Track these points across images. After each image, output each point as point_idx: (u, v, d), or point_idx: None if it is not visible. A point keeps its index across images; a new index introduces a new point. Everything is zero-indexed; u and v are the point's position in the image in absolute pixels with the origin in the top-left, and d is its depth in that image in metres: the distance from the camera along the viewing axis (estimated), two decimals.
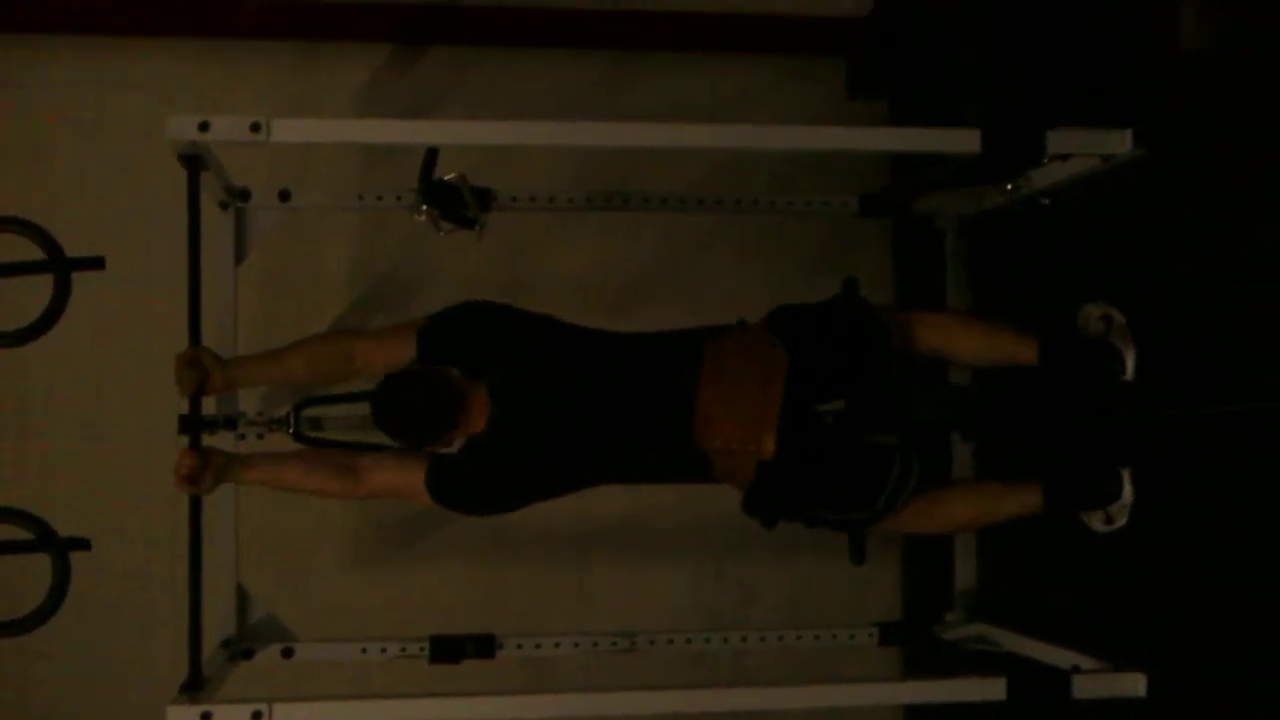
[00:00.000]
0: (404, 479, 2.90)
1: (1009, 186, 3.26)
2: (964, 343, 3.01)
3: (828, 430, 2.93)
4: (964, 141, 2.86)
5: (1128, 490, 2.92)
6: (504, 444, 2.88)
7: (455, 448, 2.92)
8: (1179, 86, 2.85)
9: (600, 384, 2.88)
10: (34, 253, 2.66)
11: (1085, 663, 2.89)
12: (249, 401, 3.26)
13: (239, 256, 3.20)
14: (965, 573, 3.50)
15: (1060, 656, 2.98)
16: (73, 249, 2.69)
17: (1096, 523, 2.99)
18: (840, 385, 2.94)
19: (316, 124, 2.94)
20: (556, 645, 3.33)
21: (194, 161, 2.81)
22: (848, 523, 2.94)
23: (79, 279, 2.68)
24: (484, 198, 3.30)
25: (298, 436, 3.17)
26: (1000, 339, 3.01)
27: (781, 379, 2.81)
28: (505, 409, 2.87)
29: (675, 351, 2.91)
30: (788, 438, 2.80)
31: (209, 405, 2.99)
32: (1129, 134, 2.84)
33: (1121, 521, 2.95)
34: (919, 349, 2.98)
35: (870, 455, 2.88)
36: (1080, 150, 2.92)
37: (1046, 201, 3.22)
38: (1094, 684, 2.80)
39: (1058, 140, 2.88)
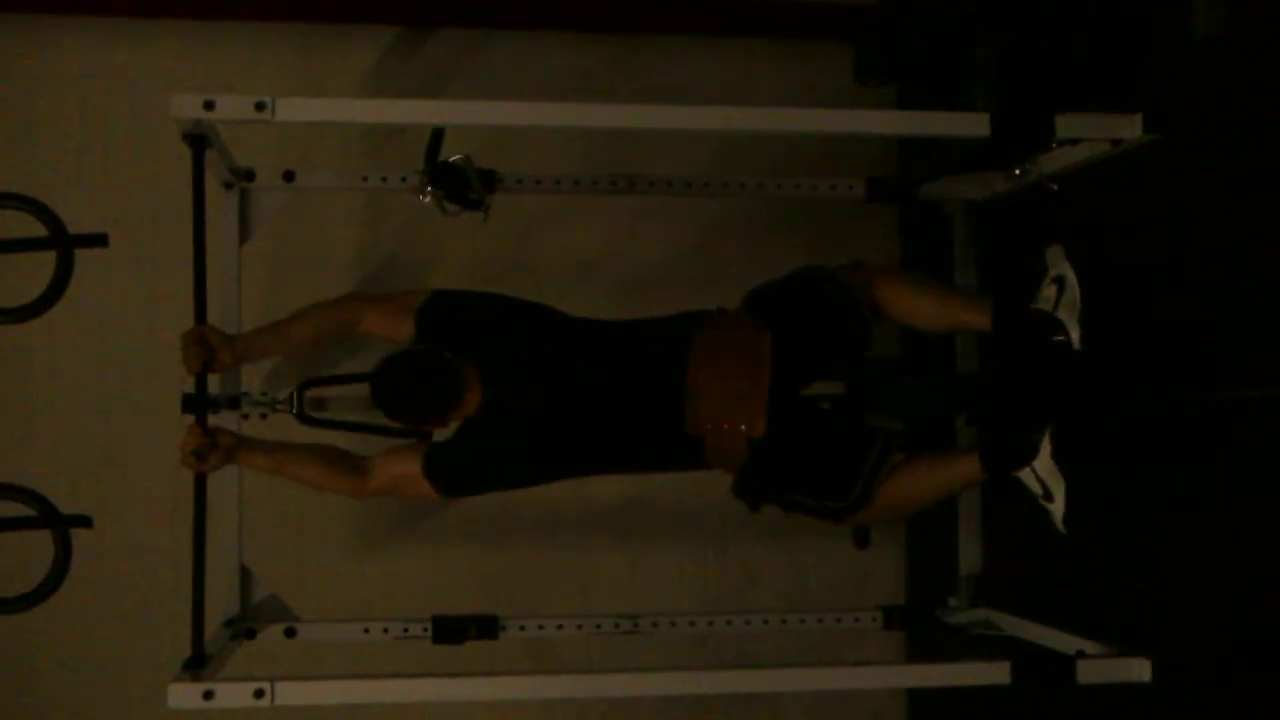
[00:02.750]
0: (404, 469, 2.93)
1: (1017, 171, 3.24)
2: (916, 305, 2.98)
3: (816, 410, 3.03)
4: (972, 125, 2.85)
5: (1046, 448, 2.86)
6: (498, 429, 2.93)
7: (449, 432, 2.97)
8: (1190, 74, 2.83)
9: (591, 372, 2.93)
10: (37, 230, 2.66)
11: (1090, 647, 2.88)
12: (253, 381, 3.26)
13: (243, 236, 3.21)
14: (969, 557, 3.49)
15: (1065, 641, 2.97)
16: (76, 228, 2.69)
17: (1034, 485, 2.91)
18: (824, 360, 3.00)
19: (321, 103, 2.93)
20: (559, 627, 3.33)
21: (199, 141, 2.81)
22: (824, 510, 2.95)
23: (82, 258, 2.67)
24: (489, 179, 3.30)
25: (301, 417, 3.17)
26: (952, 304, 2.99)
27: (768, 359, 2.87)
28: (499, 395, 2.92)
29: (662, 338, 2.96)
30: (777, 416, 2.86)
31: (213, 385, 2.98)
32: (1139, 119, 2.81)
33: (1059, 496, 2.87)
34: (883, 312, 2.98)
35: (853, 438, 2.92)
36: (1090, 135, 2.90)
37: (1054, 187, 3.20)
38: (1098, 669, 2.79)
39: (1067, 125, 2.86)
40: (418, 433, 3.02)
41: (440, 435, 2.99)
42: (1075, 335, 2.87)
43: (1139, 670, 2.77)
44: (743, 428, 2.86)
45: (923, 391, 3.25)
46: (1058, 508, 2.88)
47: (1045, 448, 2.87)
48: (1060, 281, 2.91)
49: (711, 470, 2.96)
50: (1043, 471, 2.88)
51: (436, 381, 2.91)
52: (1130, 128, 2.83)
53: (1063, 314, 2.88)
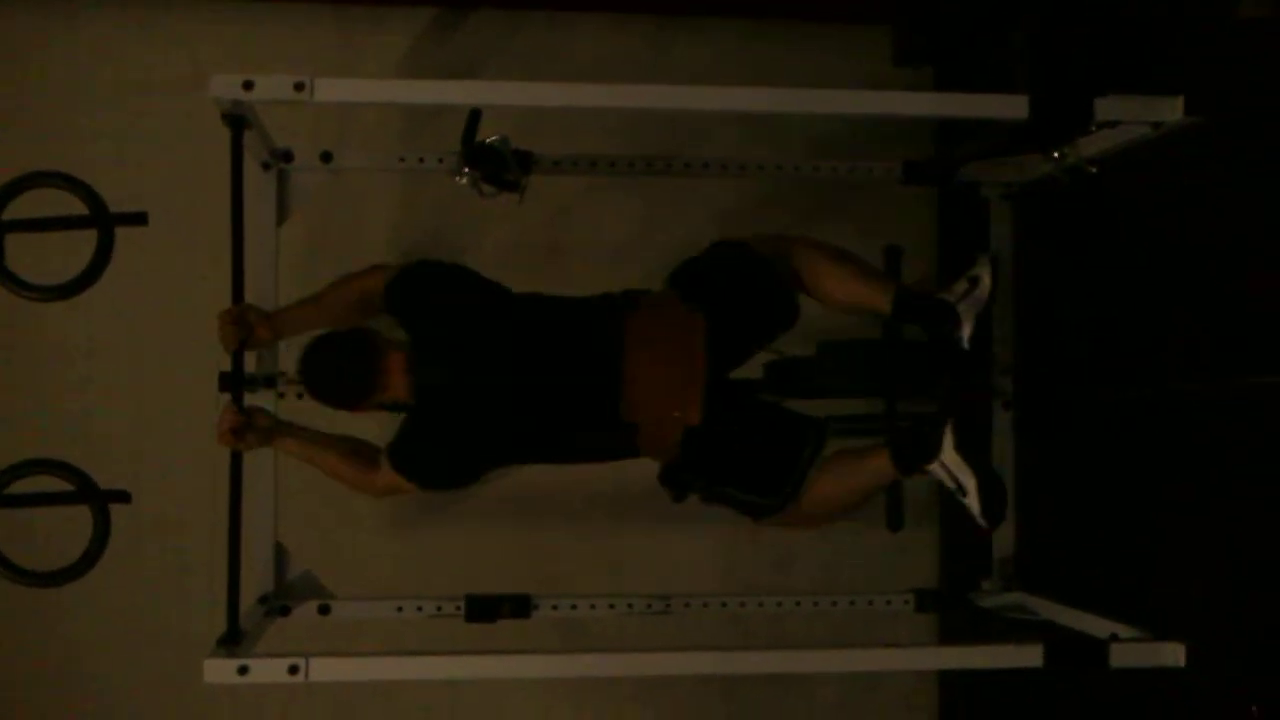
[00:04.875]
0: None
1: (1056, 154, 3.22)
2: (831, 280, 2.97)
3: (749, 396, 3.03)
4: (1011, 107, 2.82)
5: (949, 441, 2.85)
6: (443, 416, 2.90)
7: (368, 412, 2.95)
8: (1234, 55, 2.81)
9: (529, 354, 2.89)
10: (78, 209, 2.68)
11: (1123, 631, 2.87)
12: (289, 361, 3.28)
13: (281, 217, 3.23)
14: (1002, 540, 3.48)
15: (1098, 625, 2.96)
16: (116, 207, 2.71)
17: (946, 480, 2.90)
18: (757, 340, 3.01)
19: (359, 84, 2.94)
20: (592, 607, 3.34)
21: (238, 121, 2.83)
22: (749, 505, 2.96)
23: (121, 236, 2.69)
24: (525, 161, 3.30)
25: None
26: (863, 282, 2.98)
27: (703, 343, 2.85)
28: (442, 380, 2.88)
29: (598, 321, 2.92)
30: (713, 403, 2.85)
31: (250, 364, 3.00)
32: (1180, 101, 2.78)
33: (970, 489, 2.85)
34: (798, 285, 2.98)
35: (785, 430, 2.92)
36: (1129, 117, 2.86)
37: (1093, 170, 3.18)
38: (1132, 653, 2.78)
39: (1106, 107, 2.84)
40: None
41: None
42: (966, 332, 2.88)
43: (1173, 655, 2.75)
44: (677, 414, 2.85)
45: (840, 370, 3.28)
46: (972, 503, 2.87)
47: (948, 441, 2.86)
48: (975, 281, 2.92)
49: (641, 459, 2.96)
50: (951, 465, 2.87)
51: (353, 364, 2.86)
52: (1171, 110, 2.80)
53: (962, 309, 2.90)
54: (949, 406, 3.06)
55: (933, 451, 2.86)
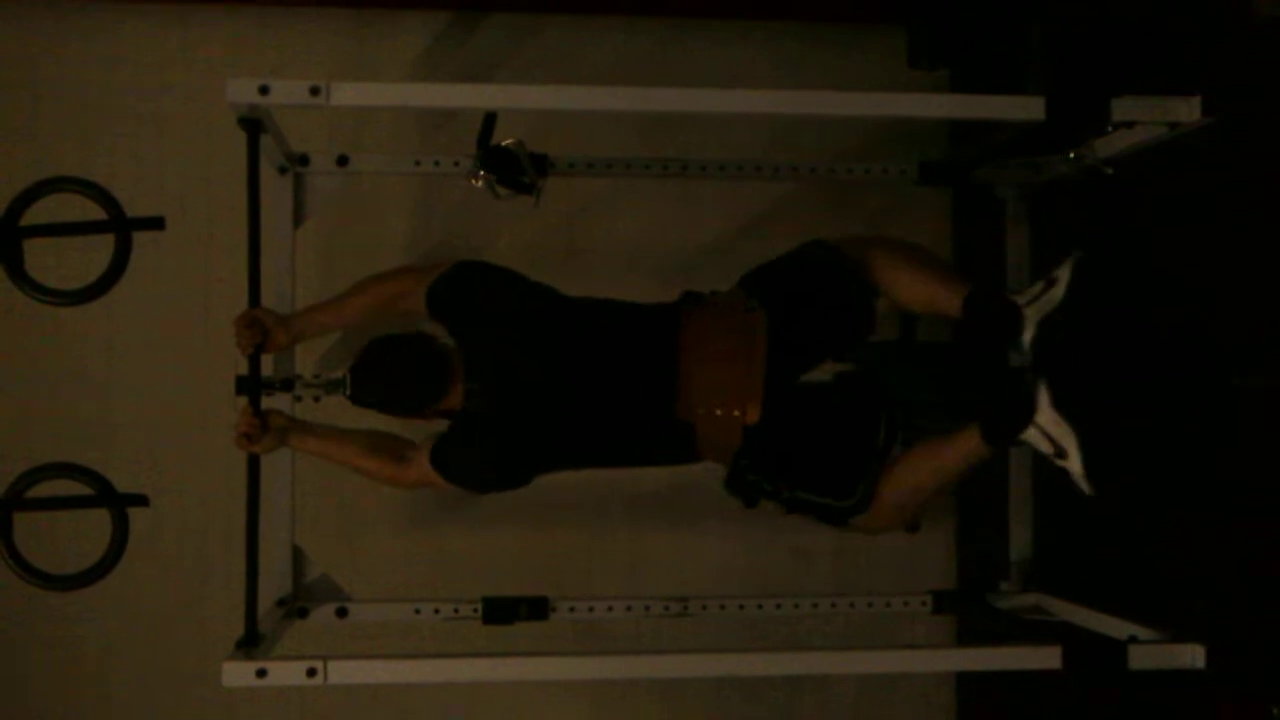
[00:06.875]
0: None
1: (1072, 155, 3.21)
2: (910, 283, 2.87)
3: (818, 395, 2.93)
4: (1027, 108, 2.81)
5: (1044, 399, 2.71)
6: (495, 419, 2.87)
7: (435, 421, 2.92)
8: (1250, 55, 2.80)
9: (581, 355, 2.86)
10: (96, 213, 2.69)
11: (1142, 633, 2.86)
12: (306, 364, 3.29)
13: (297, 221, 3.23)
14: (1020, 541, 3.48)
15: (1117, 626, 2.95)
16: (133, 211, 2.72)
17: (1044, 445, 2.74)
18: (829, 341, 2.92)
19: (376, 87, 2.95)
20: (609, 609, 3.33)
21: (254, 125, 2.83)
22: (826, 510, 2.89)
23: (139, 241, 2.70)
24: (541, 163, 3.31)
25: (353, 399, 3.19)
26: (939, 284, 2.86)
27: (763, 340, 2.79)
28: (494, 383, 2.86)
29: (654, 321, 2.90)
30: (775, 402, 2.79)
31: (266, 367, 3.01)
32: (1197, 101, 2.77)
33: (1072, 450, 2.69)
34: (876, 287, 2.88)
35: (856, 425, 2.85)
36: (1146, 118, 2.85)
37: (1110, 170, 3.17)
38: (1151, 655, 2.77)
39: (1123, 107, 2.83)
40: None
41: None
42: (1028, 336, 2.77)
43: (1192, 657, 2.75)
44: (736, 413, 2.79)
45: (922, 379, 3.21)
46: (1074, 464, 2.71)
47: (1044, 399, 2.72)
48: (1051, 282, 2.80)
49: (702, 462, 2.92)
50: (1048, 426, 2.72)
51: (426, 369, 2.84)
52: (1188, 110, 2.79)
53: (1029, 312, 2.78)
54: (1039, 364, 2.78)
55: (1028, 414, 2.71)
